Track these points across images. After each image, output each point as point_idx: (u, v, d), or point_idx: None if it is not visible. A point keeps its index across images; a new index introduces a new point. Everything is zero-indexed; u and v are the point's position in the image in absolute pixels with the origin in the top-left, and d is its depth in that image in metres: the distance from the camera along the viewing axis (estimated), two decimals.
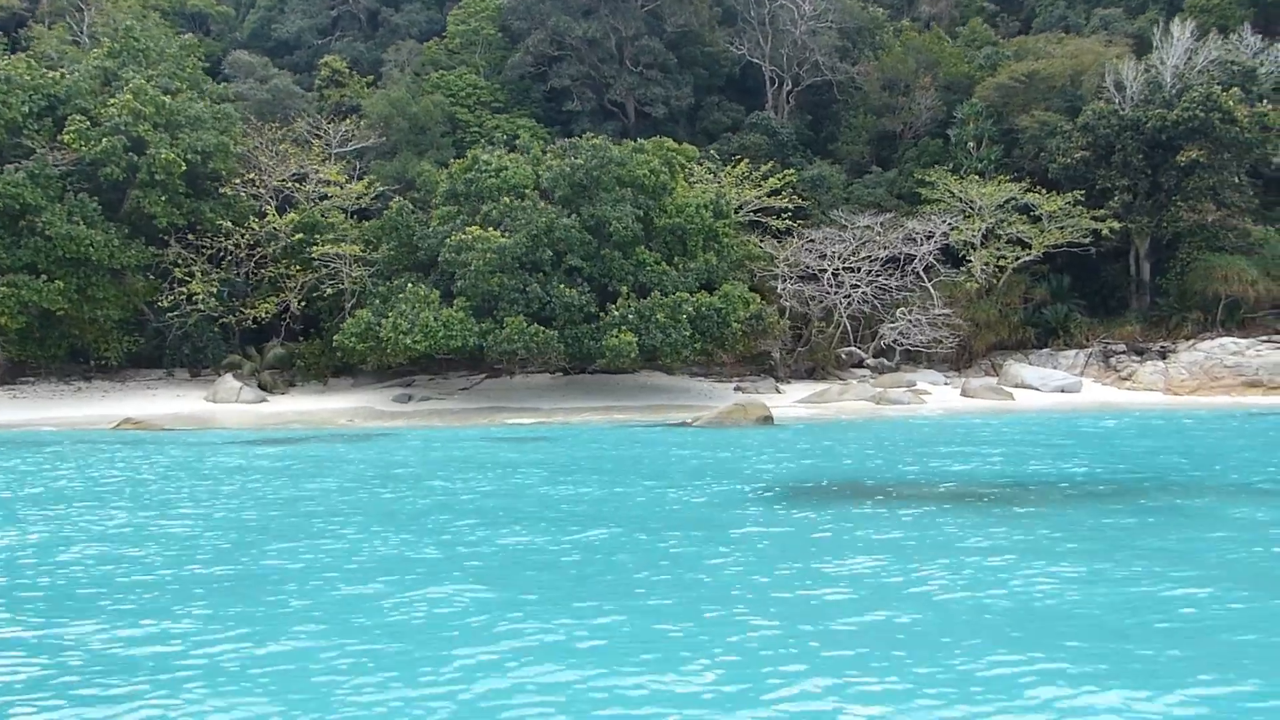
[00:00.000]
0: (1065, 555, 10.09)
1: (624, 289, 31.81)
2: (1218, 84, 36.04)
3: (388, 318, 30.58)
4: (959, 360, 39.52)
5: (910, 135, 44.39)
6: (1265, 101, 36.23)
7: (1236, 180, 36.32)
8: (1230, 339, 35.71)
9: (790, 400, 33.13)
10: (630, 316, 30.84)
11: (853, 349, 38.80)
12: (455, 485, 15.69)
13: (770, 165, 39.46)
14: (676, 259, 33.31)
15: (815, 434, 21.86)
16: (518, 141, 38.42)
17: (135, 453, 20.73)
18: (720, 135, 45.04)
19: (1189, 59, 37.55)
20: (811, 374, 38.31)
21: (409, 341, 29.90)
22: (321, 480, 16.24)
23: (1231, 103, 34.94)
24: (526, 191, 32.78)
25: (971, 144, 40.44)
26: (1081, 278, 41.11)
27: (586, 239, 32.12)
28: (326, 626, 7.92)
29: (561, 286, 31.33)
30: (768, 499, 13.73)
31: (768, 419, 22.27)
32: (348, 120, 39.58)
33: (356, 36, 51.84)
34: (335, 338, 31.85)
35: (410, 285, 31.31)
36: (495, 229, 31.80)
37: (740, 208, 38.88)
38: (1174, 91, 37.01)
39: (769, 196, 38.49)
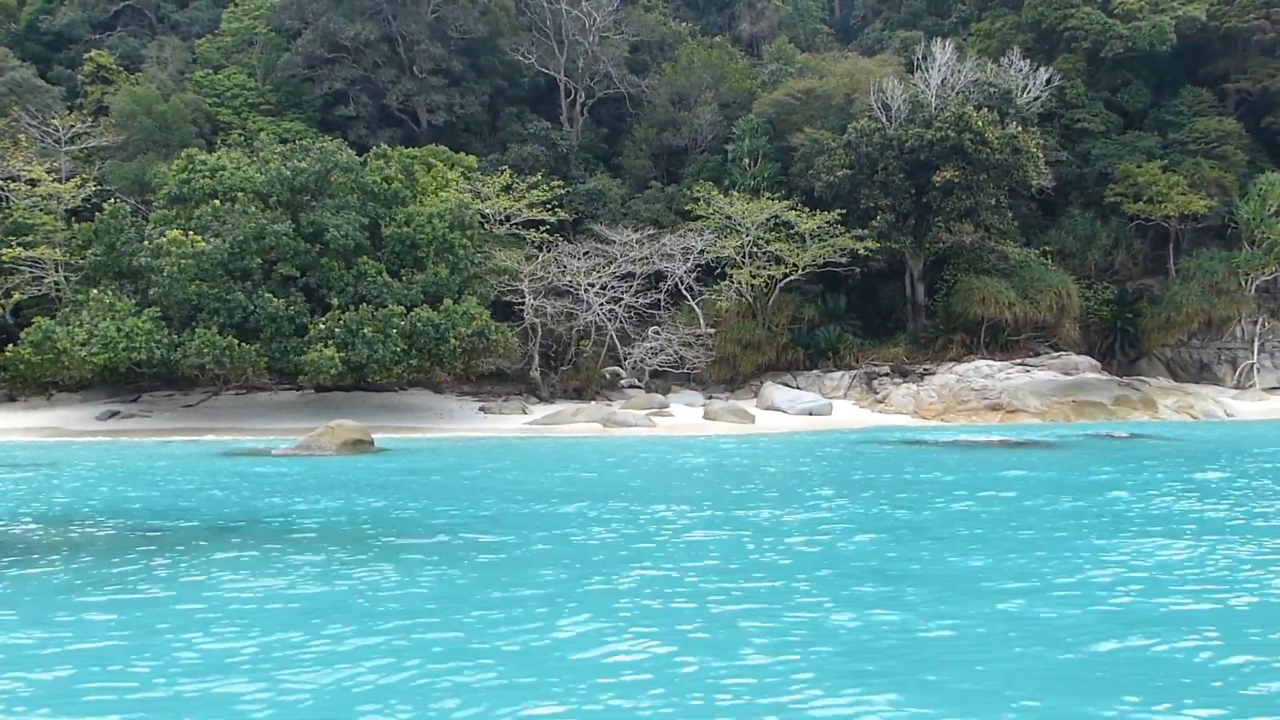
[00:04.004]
0: None
1: (336, 301, 29.86)
2: (972, 104, 35.74)
3: (67, 327, 28.10)
4: (733, 381, 38.53)
5: (697, 150, 43.41)
6: (1017, 125, 35.97)
7: (994, 202, 35.98)
8: (985, 362, 35.31)
9: (520, 422, 31.52)
10: (336, 330, 28.88)
11: (617, 369, 37.45)
12: None
13: (539, 177, 37.94)
14: (405, 271, 31.50)
15: (382, 463, 19.28)
16: (255, 143, 36.21)
17: None
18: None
19: (952, 79, 37.25)
20: (580, 393, 36.85)
21: (84, 354, 27.43)
22: None
23: (981, 124, 34.60)
24: (239, 195, 30.63)
25: (746, 160, 39.54)
26: (861, 298, 40.51)
27: (302, 247, 30.13)
28: None
29: (269, 296, 29.27)
30: None
31: (363, 444, 20.39)
32: (73, 115, 36.87)
33: (138, 32, 48.98)
34: (8, 349, 29.15)
35: (96, 292, 28.85)
36: (205, 234, 29.60)
37: (507, 219, 37.30)
38: (935, 111, 36.63)
39: (534, 209, 36.89)
